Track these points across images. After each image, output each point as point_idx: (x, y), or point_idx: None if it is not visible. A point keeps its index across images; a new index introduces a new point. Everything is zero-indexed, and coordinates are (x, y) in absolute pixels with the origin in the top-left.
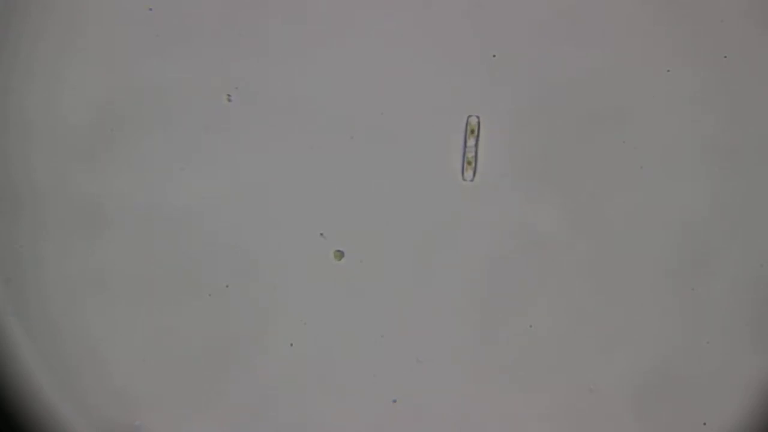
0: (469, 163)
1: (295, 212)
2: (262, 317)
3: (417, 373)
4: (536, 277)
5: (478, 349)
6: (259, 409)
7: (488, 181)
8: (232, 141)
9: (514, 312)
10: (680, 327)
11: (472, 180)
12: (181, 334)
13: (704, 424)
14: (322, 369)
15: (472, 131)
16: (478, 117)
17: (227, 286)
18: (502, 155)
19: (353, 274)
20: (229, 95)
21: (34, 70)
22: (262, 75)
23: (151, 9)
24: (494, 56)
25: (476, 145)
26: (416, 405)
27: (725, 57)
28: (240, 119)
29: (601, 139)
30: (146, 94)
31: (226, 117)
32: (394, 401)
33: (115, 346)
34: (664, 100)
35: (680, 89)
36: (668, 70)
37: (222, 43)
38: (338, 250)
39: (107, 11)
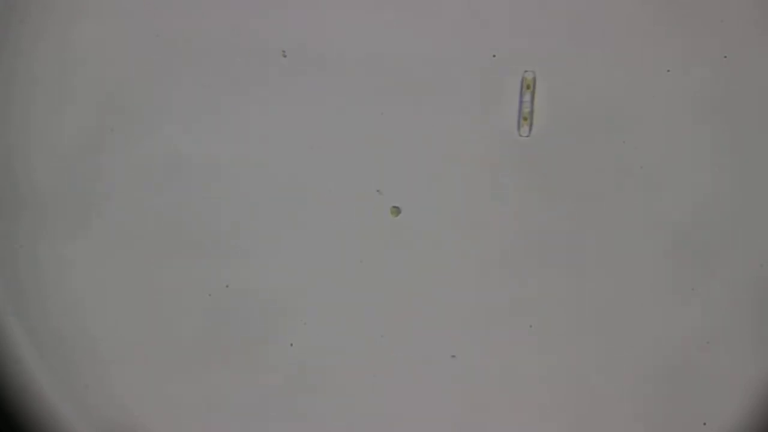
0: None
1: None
2: (263, 317)
3: (417, 372)
4: (536, 276)
5: (477, 349)
6: (259, 409)
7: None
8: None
9: (513, 312)
10: (680, 327)
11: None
12: (181, 334)
13: (704, 424)
14: (322, 369)
15: (528, 87)
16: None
17: (227, 286)
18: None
19: (353, 274)
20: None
21: (34, 70)
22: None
23: None
24: (494, 56)
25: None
26: (416, 404)
27: (725, 57)
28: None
29: (601, 139)
30: (143, 93)
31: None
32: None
33: (115, 346)
34: (664, 100)
35: (680, 89)
36: (668, 70)
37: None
38: (395, 207)
39: (107, 11)
